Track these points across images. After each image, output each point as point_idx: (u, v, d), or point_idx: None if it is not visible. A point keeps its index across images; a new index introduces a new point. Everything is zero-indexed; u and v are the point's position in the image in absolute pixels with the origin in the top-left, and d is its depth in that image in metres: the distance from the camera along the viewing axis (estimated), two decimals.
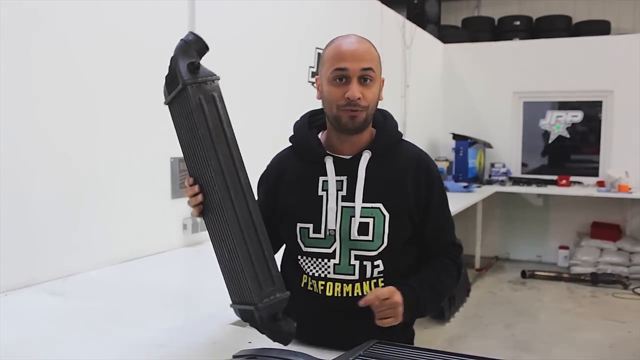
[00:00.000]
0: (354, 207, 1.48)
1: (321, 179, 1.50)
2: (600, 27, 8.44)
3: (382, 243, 1.48)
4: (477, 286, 6.07)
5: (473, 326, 4.88)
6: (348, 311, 1.45)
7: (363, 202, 1.48)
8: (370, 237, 1.48)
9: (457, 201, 5.29)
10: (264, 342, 1.53)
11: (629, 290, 5.94)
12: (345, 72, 1.42)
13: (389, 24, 5.48)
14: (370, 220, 1.48)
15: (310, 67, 4.10)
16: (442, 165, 6.39)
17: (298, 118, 1.66)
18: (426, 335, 4.66)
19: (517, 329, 4.84)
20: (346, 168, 1.50)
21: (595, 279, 6.15)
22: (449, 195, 5.11)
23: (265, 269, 1.29)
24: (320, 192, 1.50)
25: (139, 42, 2.67)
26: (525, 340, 4.60)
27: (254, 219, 1.30)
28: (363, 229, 1.47)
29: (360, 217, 1.47)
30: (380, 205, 1.48)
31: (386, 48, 5.33)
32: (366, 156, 1.50)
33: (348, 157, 1.52)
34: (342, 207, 1.48)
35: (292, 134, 1.62)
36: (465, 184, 6.02)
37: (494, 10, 9.54)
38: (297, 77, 4.00)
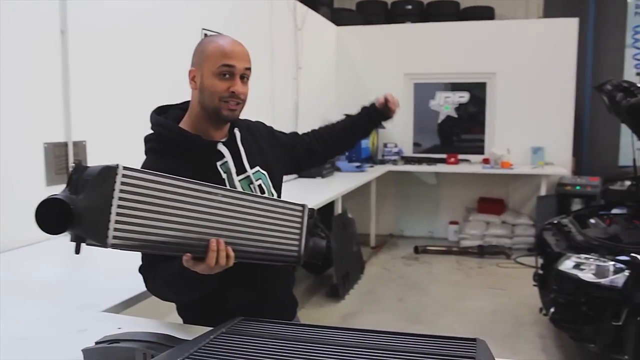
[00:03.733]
0: (248, 175, 1.68)
1: (217, 164, 1.63)
2: (485, 13, 8.84)
3: (273, 195, 1.75)
4: (372, 263, 6.24)
5: (367, 302, 5.02)
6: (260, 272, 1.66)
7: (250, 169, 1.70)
8: (267, 194, 1.70)
9: (351, 180, 5.41)
10: (134, 327, 1.51)
11: (511, 260, 6.32)
12: (232, 69, 1.57)
13: (279, 5, 5.46)
14: (260, 182, 1.71)
15: None
16: None
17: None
18: (320, 313, 4.75)
19: (409, 302, 5.03)
20: (229, 147, 1.66)
21: (482, 251, 6.50)
22: (342, 175, 5.21)
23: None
24: (223, 176, 1.63)
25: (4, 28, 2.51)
26: (416, 312, 4.79)
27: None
28: (260, 190, 1.71)
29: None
30: (258, 167, 1.72)
31: (277, 30, 5.33)
32: (238, 134, 1.71)
33: (224, 139, 1.68)
34: (239, 180, 1.65)
35: (158, 136, 1.64)
36: (358, 164, 6.14)
37: None
38: (184, 61, 3.89)
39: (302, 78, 5.94)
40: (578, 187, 6.46)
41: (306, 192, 4.81)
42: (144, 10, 3.41)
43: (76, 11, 2.86)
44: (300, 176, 5.29)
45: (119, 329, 1.47)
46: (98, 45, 3.06)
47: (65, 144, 2.87)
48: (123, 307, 1.79)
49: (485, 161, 6.92)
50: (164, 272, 1.46)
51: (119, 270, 2.23)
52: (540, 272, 4.15)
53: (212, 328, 1.27)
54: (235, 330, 1.24)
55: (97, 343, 1.28)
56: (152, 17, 3.50)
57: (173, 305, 2.12)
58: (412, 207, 7.56)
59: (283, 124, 5.54)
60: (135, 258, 1.67)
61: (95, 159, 3.01)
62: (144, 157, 1.66)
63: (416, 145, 7.54)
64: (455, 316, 4.68)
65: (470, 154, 7.23)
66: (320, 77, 6.90)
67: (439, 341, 1.12)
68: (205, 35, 4.11)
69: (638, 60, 9.48)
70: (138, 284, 1.99)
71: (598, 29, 9.19)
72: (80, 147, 2.95)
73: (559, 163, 6.88)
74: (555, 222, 4.22)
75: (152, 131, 1.67)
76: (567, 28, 6.99)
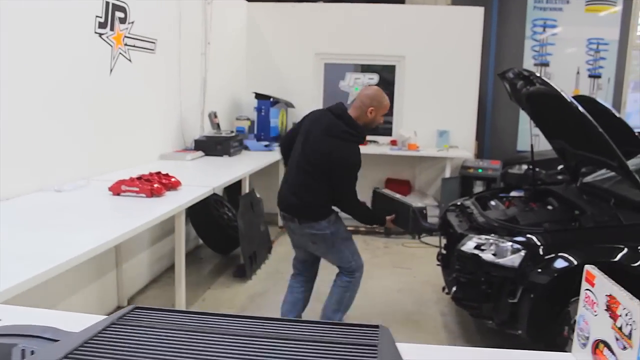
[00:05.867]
0: None
1: None
2: None
3: None
4: (280, 243, 6.20)
5: (274, 282, 4.98)
6: None
7: None
8: None
9: (259, 159, 5.33)
10: (16, 318, 1.38)
11: (416, 240, 6.48)
12: None
13: None
14: None
15: (97, 16, 3.74)
16: (243, 125, 6.36)
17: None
18: (228, 293, 4.67)
19: (317, 282, 5.02)
20: None
21: (388, 232, 6.61)
22: (250, 154, 5.22)
23: None
24: None
25: None
26: (323, 292, 4.78)
27: None
28: None
29: None
30: None
31: (185, 3, 5.12)
32: None
33: None
34: None
35: (363, 134, 3.53)
36: (267, 143, 6.06)
37: None
38: (82, 28, 3.63)
39: (211, 54, 5.76)
40: (480, 170, 6.71)
41: (214, 171, 4.69)
42: None
43: None
44: (207, 154, 5.15)
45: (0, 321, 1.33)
46: None
47: None
48: (3, 296, 1.64)
49: (393, 143, 7.04)
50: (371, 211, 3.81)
51: None
52: (444, 252, 4.28)
53: (103, 317, 1.18)
54: (127, 321, 1.14)
55: None
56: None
57: (63, 294, 1.99)
58: None
59: (190, 100, 5.38)
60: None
61: None
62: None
63: None
64: (362, 295, 4.69)
65: (379, 135, 7.32)
66: (230, 53, 6.73)
67: (341, 329, 1.09)
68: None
69: (536, 51, 9.98)
70: (19, 270, 1.85)
71: (501, 20, 9.56)
72: None
73: (463, 146, 7.11)
74: (459, 203, 4.35)
75: (348, 129, 3.36)
76: (473, 16, 7.21)
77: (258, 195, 6.66)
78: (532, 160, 4.75)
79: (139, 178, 3.17)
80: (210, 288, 4.79)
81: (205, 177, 4.27)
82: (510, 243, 3.28)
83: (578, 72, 10.03)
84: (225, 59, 6.44)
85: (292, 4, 7.56)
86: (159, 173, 3.36)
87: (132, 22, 4.14)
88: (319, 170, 3.37)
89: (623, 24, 9.82)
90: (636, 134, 5.39)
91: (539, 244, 3.24)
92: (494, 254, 3.32)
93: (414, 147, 6.69)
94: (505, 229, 3.42)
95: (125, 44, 4.08)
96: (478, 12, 7.24)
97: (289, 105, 7.08)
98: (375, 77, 7.39)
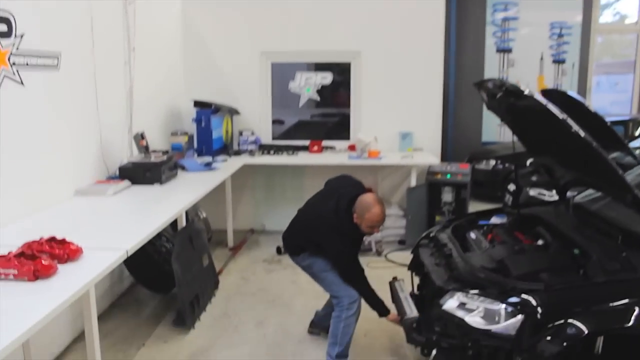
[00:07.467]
0: None
1: None
2: None
3: None
4: (229, 271, 5.49)
5: (221, 330, 4.26)
6: None
7: None
8: None
9: (198, 184, 4.59)
10: None
11: (382, 257, 5.85)
12: None
13: None
14: None
15: None
16: (180, 141, 5.56)
17: None
18: (164, 352, 3.94)
19: (270, 326, 4.35)
20: None
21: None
22: (188, 177, 4.73)
23: None
24: None
25: None
26: (278, 341, 4.12)
27: None
28: None
29: None
30: None
31: (97, 5, 4.29)
32: None
33: None
34: None
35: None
36: (208, 161, 5.27)
37: None
38: None
39: (138, 61, 4.93)
40: (449, 176, 6.08)
41: (139, 210, 3.91)
42: None
43: None
44: (135, 183, 4.36)
45: None
46: None
47: None
48: None
49: (351, 148, 6.37)
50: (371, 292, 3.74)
51: None
52: (417, 292, 3.67)
53: None
54: None
55: None
56: None
57: None
58: (275, 198, 6.86)
59: (112, 118, 4.57)
60: None
61: None
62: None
63: (276, 128, 6.76)
64: (323, 343, 4.05)
65: (336, 139, 6.63)
66: (163, 58, 5.88)
67: None
68: None
69: (497, 37, 9.44)
70: None
71: (460, 6, 8.94)
72: None
73: (428, 148, 6.50)
74: (432, 235, 3.70)
75: (336, 222, 3.56)
76: (434, 5, 6.49)
77: (203, 215, 5.90)
78: (515, 180, 4.13)
79: (20, 254, 2.38)
80: (144, 345, 4.04)
81: (124, 224, 3.48)
82: (504, 306, 2.63)
83: (542, 58, 9.53)
84: (157, 65, 5.62)
85: None
86: (52, 239, 2.58)
87: (22, 36, 3.31)
88: (308, 230, 3.77)
89: (585, 6, 9.34)
90: (609, 126, 4.86)
91: (540, 307, 2.59)
92: (482, 317, 2.68)
93: (375, 155, 6.01)
94: (495, 285, 2.77)
95: (13, 64, 3.25)
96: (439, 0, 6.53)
97: (233, 112, 6.30)
98: (328, 76, 6.64)
